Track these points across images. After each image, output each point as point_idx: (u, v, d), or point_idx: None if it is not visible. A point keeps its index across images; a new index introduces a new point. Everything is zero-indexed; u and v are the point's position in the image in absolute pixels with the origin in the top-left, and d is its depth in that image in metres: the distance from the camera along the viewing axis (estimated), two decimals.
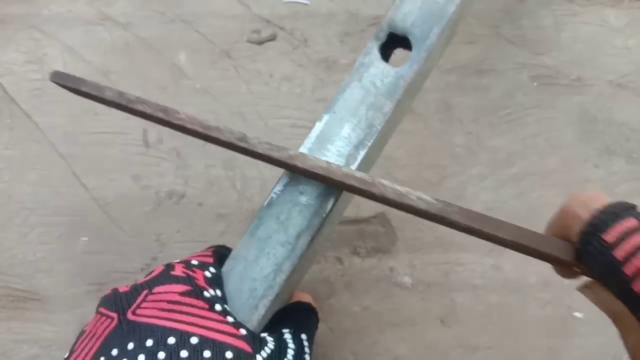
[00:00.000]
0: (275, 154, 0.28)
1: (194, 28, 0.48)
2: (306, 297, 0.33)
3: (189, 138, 0.45)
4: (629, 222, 0.21)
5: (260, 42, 0.48)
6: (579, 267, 0.24)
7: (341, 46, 0.47)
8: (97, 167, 0.45)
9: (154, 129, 0.45)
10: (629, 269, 0.20)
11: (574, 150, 0.45)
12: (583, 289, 0.24)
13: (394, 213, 0.43)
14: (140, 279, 0.29)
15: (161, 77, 0.47)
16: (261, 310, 0.28)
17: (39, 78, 0.47)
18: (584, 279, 0.25)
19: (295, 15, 0.48)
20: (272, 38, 0.48)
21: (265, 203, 0.30)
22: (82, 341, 0.26)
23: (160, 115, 0.29)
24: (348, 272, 0.43)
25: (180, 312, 0.25)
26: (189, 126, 0.29)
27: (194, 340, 0.24)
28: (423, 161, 0.45)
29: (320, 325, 0.41)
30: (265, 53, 0.47)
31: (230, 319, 0.26)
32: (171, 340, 0.24)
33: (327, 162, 0.28)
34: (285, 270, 0.29)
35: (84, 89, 0.31)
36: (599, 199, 0.22)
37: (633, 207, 0.22)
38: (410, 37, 0.32)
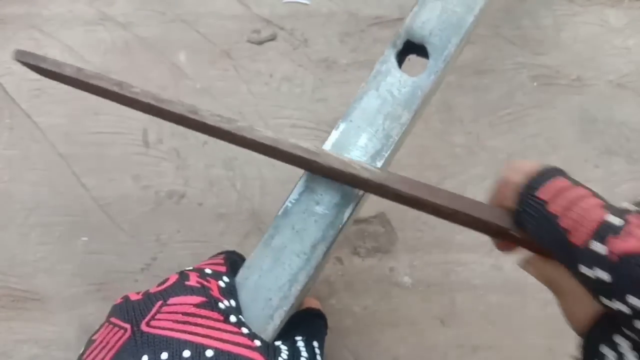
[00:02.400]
0: (225, 126, 0.28)
1: (194, 28, 0.48)
2: (315, 303, 0.33)
3: (190, 138, 0.45)
4: (561, 182, 0.22)
5: (260, 42, 0.48)
6: (515, 233, 0.25)
7: (341, 46, 0.47)
8: (97, 167, 0.45)
9: (154, 129, 0.45)
10: (564, 222, 0.21)
11: (574, 150, 0.45)
12: (523, 264, 0.26)
13: (394, 213, 0.43)
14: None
15: (161, 77, 0.47)
16: (276, 321, 0.28)
17: (39, 78, 0.46)
18: (525, 254, 0.26)
19: (295, 15, 0.48)
20: (272, 38, 0.48)
21: (280, 212, 0.30)
22: (93, 351, 0.25)
23: (115, 89, 0.29)
24: (348, 272, 0.43)
25: (196, 325, 0.25)
26: (143, 99, 0.29)
27: (209, 353, 0.24)
28: (424, 161, 0.45)
29: None
30: (265, 53, 0.47)
31: (245, 330, 0.26)
32: (186, 353, 0.24)
33: (273, 133, 0.28)
34: (301, 280, 0.29)
35: (43, 65, 0.31)
36: (530, 165, 0.24)
37: (562, 170, 0.24)
38: (428, 47, 0.31)
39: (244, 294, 0.28)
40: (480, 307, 0.42)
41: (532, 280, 0.26)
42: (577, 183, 0.22)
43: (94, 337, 0.26)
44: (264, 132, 0.28)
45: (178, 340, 0.24)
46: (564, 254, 0.21)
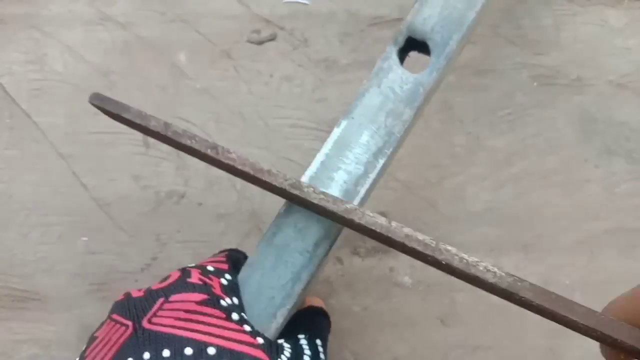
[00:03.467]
0: (330, 206, 0.27)
1: (194, 28, 0.48)
2: (317, 301, 0.33)
3: None
4: None
5: (260, 42, 0.48)
6: None
7: (341, 46, 0.47)
8: (97, 167, 0.45)
9: None
10: None
11: (574, 150, 0.45)
12: None
13: (394, 213, 0.43)
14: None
15: (161, 77, 0.47)
16: (279, 319, 0.28)
17: (39, 78, 0.47)
18: None
19: (295, 15, 0.48)
20: (272, 38, 0.48)
21: (282, 210, 0.30)
22: (94, 348, 0.25)
23: (210, 152, 0.28)
24: (348, 272, 0.43)
25: (198, 322, 0.25)
26: (239, 167, 0.28)
27: (211, 350, 0.24)
28: (423, 161, 0.45)
29: None
30: (265, 53, 0.47)
31: (247, 327, 0.26)
32: (188, 350, 0.24)
33: (386, 220, 0.26)
34: (304, 279, 0.28)
35: (126, 115, 0.29)
36: None
37: None
38: (430, 43, 0.31)
39: (246, 292, 0.28)
40: (480, 307, 0.42)
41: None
42: None
43: (95, 334, 0.26)
44: (375, 218, 0.26)
45: (180, 337, 0.24)
46: None
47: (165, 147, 0.45)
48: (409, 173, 0.44)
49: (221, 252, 0.32)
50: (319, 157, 0.30)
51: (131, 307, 0.26)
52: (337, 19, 0.48)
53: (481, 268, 0.25)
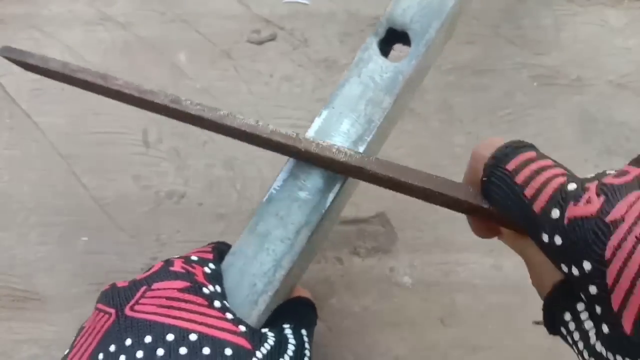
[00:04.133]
0: (206, 115, 0.30)
1: (194, 28, 0.48)
2: (305, 292, 0.33)
3: (190, 138, 0.45)
4: (528, 154, 0.23)
5: (260, 42, 0.48)
6: (486, 207, 0.25)
7: (341, 46, 0.47)
8: (97, 167, 0.45)
9: (154, 129, 0.45)
10: (528, 192, 0.21)
11: (574, 150, 0.45)
12: (501, 236, 0.27)
13: (394, 213, 0.43)
14: None
15: (161, 77, 0.47)
16: (261, 306, 0.28)
17: (39, 78, 0.46)
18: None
19: (295, 15, 0.48)
20: (272, 38, 0.48)
21: (265, 199, 0.30)
22: (81, 337, 0.26)
23: (99, 82, 0.31)
24: (348, 272, 0.43)
25: (179, 309, 0.25)
26: (126, 91, 0.30)
27: (193, 337, 0.24)
28: (423, 161, 0.45)
29: (320, 325, 0.41)
30: (265, 53, 0.47)
31: (229, 315, 0.26)
32: (170, 336, 0.24)
33: (255, 120, 0.29)
34: (285, 266, 0.29)
35: (30, 61, 0.32)
36: (501, 140, 0.24)
37: (532, 145, 0.24)
38: (410, 33, 0.32)
39: (229, 280, 0.29)
40: (480, 307, 0.42)
41: None
42: (543, 155, 0.23)
43: (84, 325, 0.27)
44: (245, 120, 0.29)
45: (162, 324, 0.24)
46: (529, 224, 0.22)
47: (165, 147, 0.45)
48: None
49: (209, 244, 0.32)
50: None
51: (115, 296, 0.26)
52: (337, 19, 0.48)
53: (334, 150, 0.28)
